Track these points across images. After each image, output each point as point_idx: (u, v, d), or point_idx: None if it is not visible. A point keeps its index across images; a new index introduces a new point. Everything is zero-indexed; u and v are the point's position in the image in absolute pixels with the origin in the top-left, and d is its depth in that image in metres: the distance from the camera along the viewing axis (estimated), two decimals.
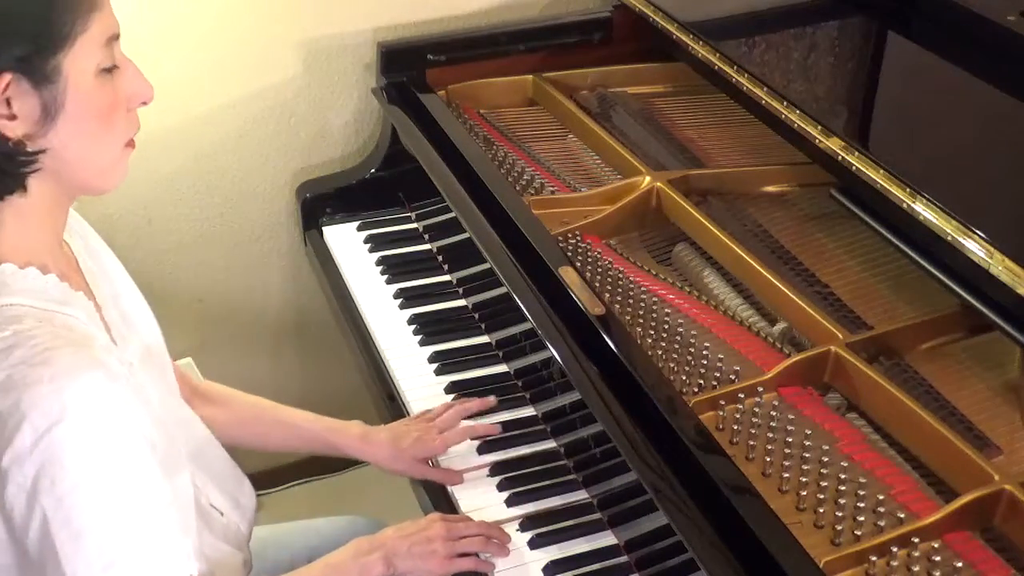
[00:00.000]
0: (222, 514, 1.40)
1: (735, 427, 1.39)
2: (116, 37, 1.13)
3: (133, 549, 1.09)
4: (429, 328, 1.80)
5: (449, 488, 1.54)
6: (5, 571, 1.13)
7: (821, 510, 1.29)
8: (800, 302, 1.52)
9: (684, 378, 1.47)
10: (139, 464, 1.10)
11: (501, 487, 1.52)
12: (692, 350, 1.51)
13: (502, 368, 1.72)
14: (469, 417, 1.60)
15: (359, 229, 2.04)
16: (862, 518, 1.27)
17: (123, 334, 1.25)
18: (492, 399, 1.62)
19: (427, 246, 1.99)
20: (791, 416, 1.41)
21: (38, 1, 1.06)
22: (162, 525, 1.12)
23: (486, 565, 1.40)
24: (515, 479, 1.53)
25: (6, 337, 1.07)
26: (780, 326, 1.55)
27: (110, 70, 1.12)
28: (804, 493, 1.31)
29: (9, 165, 1.09)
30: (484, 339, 1.78)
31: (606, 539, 1.43)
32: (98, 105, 1.12)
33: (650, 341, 1.53)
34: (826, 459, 1.35)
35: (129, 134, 1.17)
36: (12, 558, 1.12)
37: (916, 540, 1.23)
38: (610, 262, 1.67)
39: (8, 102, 1.07)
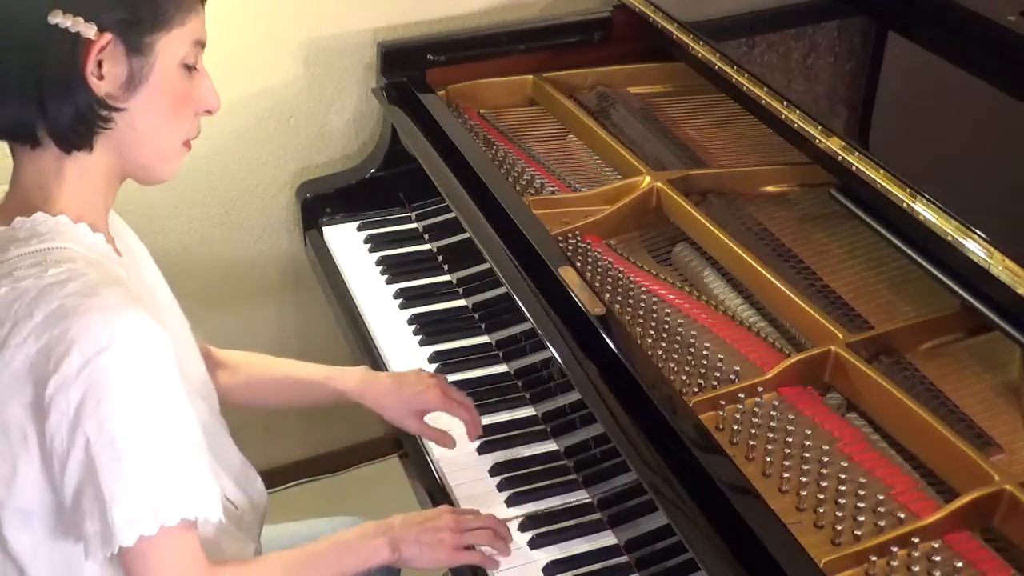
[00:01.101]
0: (236, 507, 1.40)
1: (735, 427, 1.39)
2: (202, 44, 1.24)
3: (170, 476, 1.13)
4: (429, 328, 1.80)
5: (449, 488, 1.54)
6: (37, 518, 1.17)
7: (821, 510, 1.29)
8: (800, 302, 1.53)
9: (684, 378, 1.47)
10: (177, 399, 1.15)
11: (501, 487, 1.52)
12: (692, 350, 1.51)
13: (502, 368, 1.72)
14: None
15: (359, 229, 2.04)
16: (862, 518, 1.27)
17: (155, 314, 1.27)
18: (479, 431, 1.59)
19: (427, 246, 1.99)
20: (791, 416, 1.41)
21: None
22: (196, 461, 1.17)
23: (491, 562, 1.40)
24: (515, 479, 1.53)
25: (60, 272, 1.13)
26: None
27: (191, 69, 1.22)
28: (804, 493, 1.31)
29: (90, 116, 1.16)
30: (484, 339, 1.78)
31: (606, 539, 1.44)
32: (174, 91, 1.21)
33: (650, 341, 1.53)
34: (826, 459, 1.35)
35: (190, 134, 1.26)
36: (49, 507, 1.16)
37: (916, 540, 1.23)
38: (610, 262, 1.67)
39: (100, 63, 1.14)
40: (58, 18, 1.11)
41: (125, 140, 1.20)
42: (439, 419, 1.57)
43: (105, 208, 1.27)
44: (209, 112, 1.27)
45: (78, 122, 1.16)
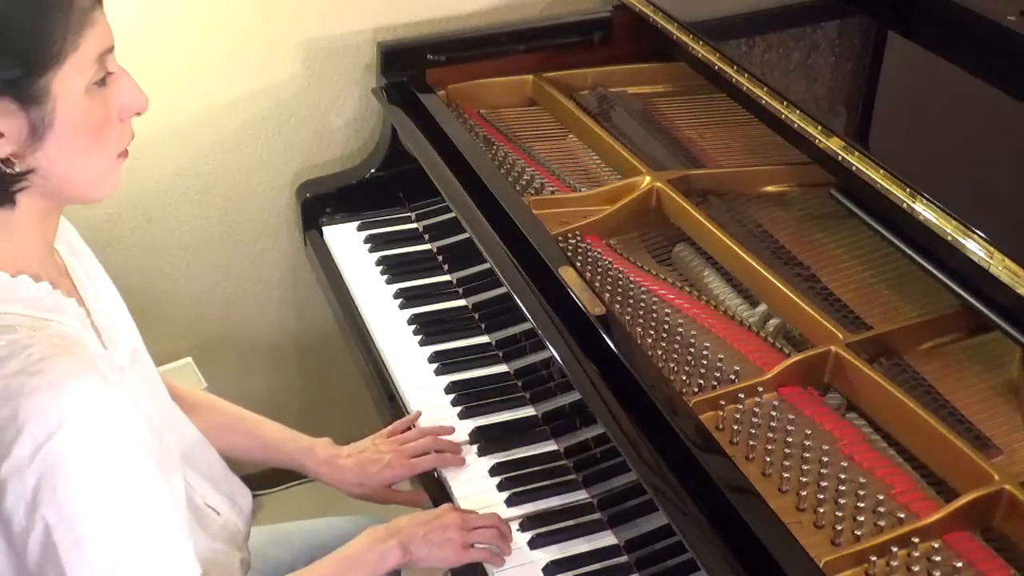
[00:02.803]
0: (219, 513, 1.39)
1: (735, 427, 1.39)
2: (110, 49, 1.10)
3: (137, 553, 1.08)
4: (429, 328, 1.80)
5: (449, 488, 1.54)
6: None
7: (821, 510, 1.29)
8: (800, 302, 1.53)
9: (684, 378, 1.47)
10: (138, 468, 1.10)
11: (501, 487, 1.52)
12: (692, 350, 1.51)
13: (502, 368, 1.72)
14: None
15: (359, 229, 2.04)
16: (862, 518, 1.27)
17: (112, 337, 1.24)
18: (460, 442, 1.58)
19: (427, 246, 1.99)
20: (791, 416, 1.41)
21: (24, 22, 1.03)
22: (164, 528, 1.12)
23: (497, 560, 1.40)
24: (515, 479, 1.53)
25: (1, 347, 1.05)
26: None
27: (102, 83, 1.10)
28: (804, 493, 1.31)
29: None
30: (484, 339, 1.78)
31: (606, 539, 1.43)
32: (88, 122, 1.09)
33: (650, 341, 1.53)
34: (826, 459, 1.35)
35: (122, 145, 1.15)
36: (10, 566, 1.11)
37: (916, 540, 1.23)
38: (610, 262, 1.67)
39: None
40: None
41: (49, 185, 1.10)
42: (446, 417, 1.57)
43: (46, 246, 1.19)
44: (138, 113, 1.15)
45: None
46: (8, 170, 1.07)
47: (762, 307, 1.57)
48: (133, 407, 1.12)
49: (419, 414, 1.63)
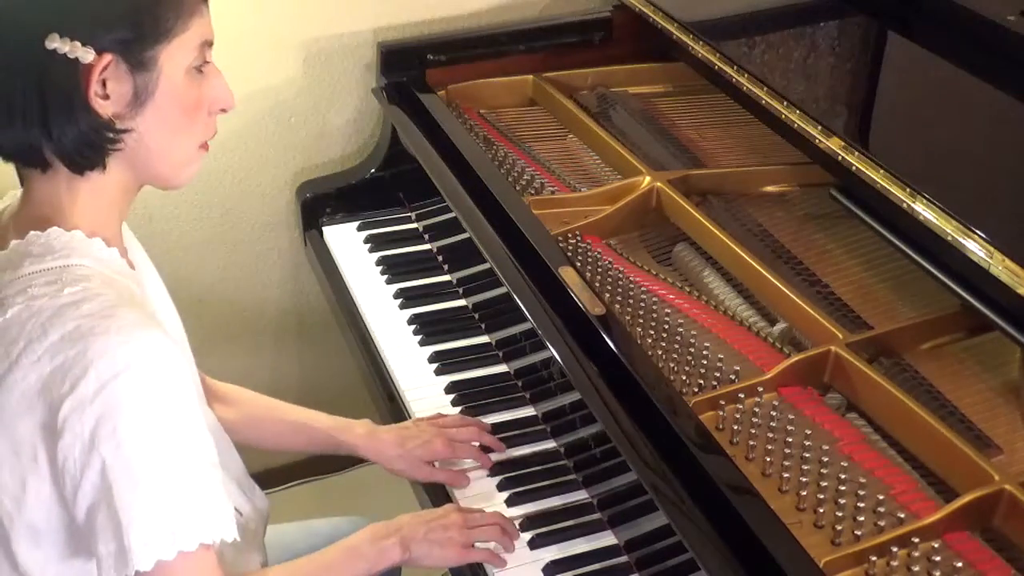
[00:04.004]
0: (241, 514, 1.40)
1: (735, 427, 1.39)
2: (210, 44, 1.21)
3: (187, 500, 1.11)
4: (429, 328, 1.80)
5: (449, 489, 1.54)
6: (47, 536, 1.15)
7: (821, 510, 1.29)
8: (800, 302, 1.53)
9: (684, 378, 1.47)
10: (194, 421, 1.14)
11: (501, 487, 1.52)
12: (692, 350, 1.51)
13: (502, 368, 1.72)
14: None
15: (359, 229, 2.04)
16: (862, 518, 1.27)
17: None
18: (503, 447, 1.58)
19: (427, 246, 1.99)
20: (791, 416, 1.41)
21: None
22: (213, 483, 1.15)
23: (499, 559, 1.40)
24: (515, 479, 1.53)
25: (76, 292, 1.11)
26: (780, 326, 1.55)
27: (200, 70, 1.19)
28: (804, 493, 1.31)
29: (97, 140, 1.14)
30: (484, 339, 1.78)
31: (606, 539, 1.44)
32: (184, 100, 1.18)
33: (650, 341, 1.53)
34: (826, 459, 1.35)
35: (206, 136, 1.24)
36: (59, 525, 1.14)
37: (916, 540, 1.23)
38: (610, 262, 1.67)
39: (104, 83, 1.12)
40: (55, 43, 1.08)
41: (138, 155, 1.18)
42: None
43: (119, 221, 1.25)
44: (224, 110, 1.25)
45: (85, 146, 1.14)
46: (109, 130, 1.14)
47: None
48: (188, 369, 1.16)
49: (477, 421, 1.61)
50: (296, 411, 1.60)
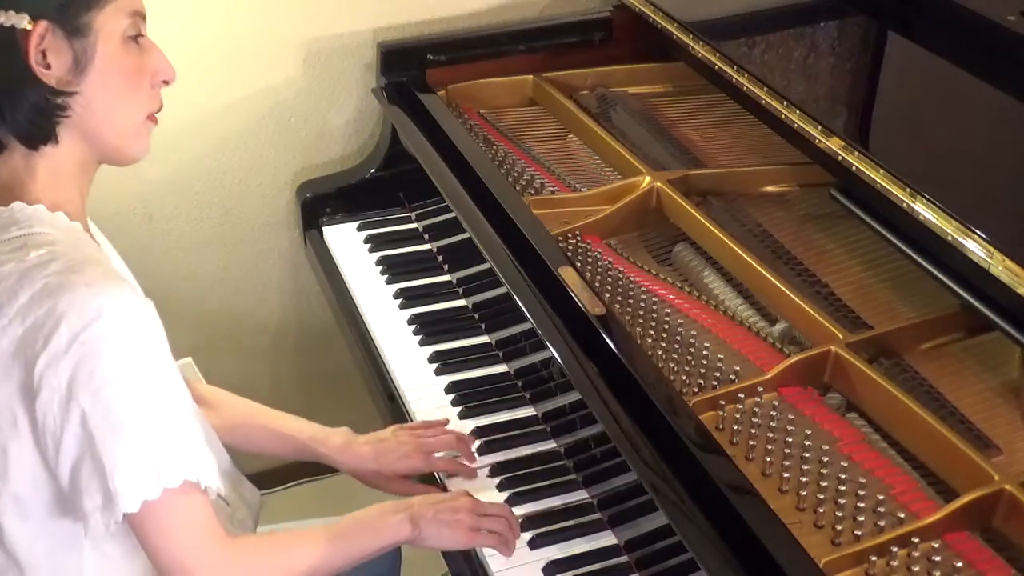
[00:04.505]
0: (228, 504, 1.40)
1: (735, 427, 1.39)
2: (141, 15, 1.23)
3: (169, 439, 1.13)
4: (429, 328, 1.80)
5: (449, 489, 1.53)
6: (33, 506, 1.17)
7: (821, 510, 1.29)
8: (800, 302, 1.53)
9: (684, 378, 1.47)
10: (170, 368, 1.16)
11: (501, 487, 1.52)
12: (692, 350, 1.51)
13: (502, 368, 1.72)
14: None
15: (359, 229, 2.04)
16: (862, 518, 1.27)
17: None
18: (476, 460, 1.56)
19: (427, 246, 1.99)
20: (791, 416, 1.41)
21: None
22: (191, 429, 1.17)
23: (505, 548, 1.40)
24: (515, 479, 1.53)
25: (41, 254, 1.14)
26: (780, 326, 1.55)
27: (135, 40, 1.22)
28: (804, 493, 1.31)
29: (46, 107, 1.17)
30: (484, 339, 1.78)
31: (606, 539, 1.43)
32: (124, 66, 1.21)
33: (650, 341, 1.53)
34: (826, 459, 1.35)
35: (152, 107, 1.26)
36: (44, 492, 1.16)
37: (916, 540, 1.23)
38: (610, 262, 1.67)
39: (44, 53, 1.15)
40: None
41: (87, 125, 1.21)
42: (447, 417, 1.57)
43: (81, 199, 1.27)
44: (166, 82, 1.27)
45: (36, 116, 1.17)
46: (56, 95, 1.16)
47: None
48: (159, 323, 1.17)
49: (447, 421, 1.61)
50: (277, 418, 1.59)
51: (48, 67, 1.16)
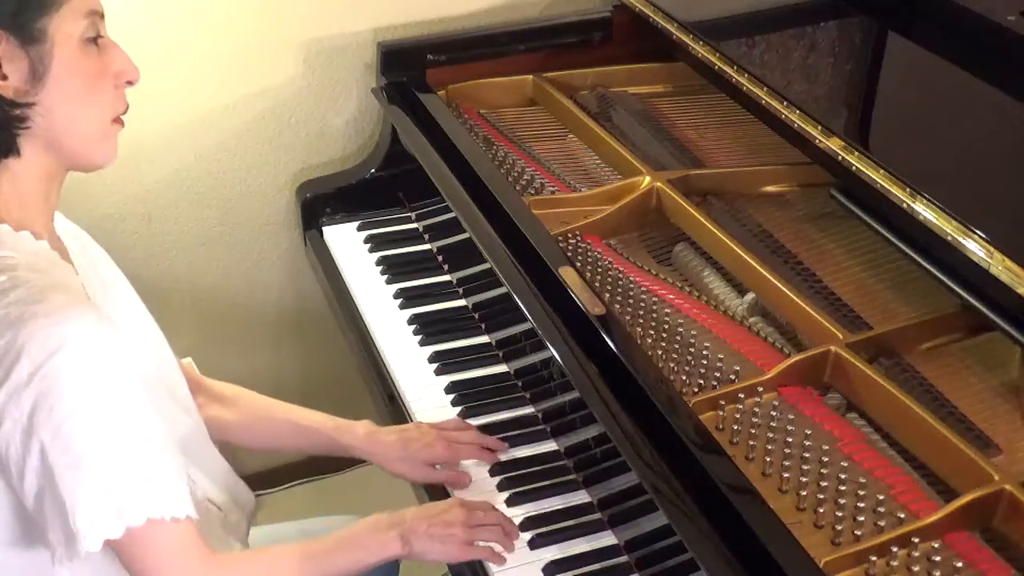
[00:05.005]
0: (220, 509, 1.39)
1: (735, 427, 1.39)
2: (99, 14, 1.18)
3: (131, 476, 1.10)
4: (429, 328, 1.80)
5: (449, 490, 1.54)
6: (3, 530, 1.15)
7: (821, 510, 1.29)
8: (800, 302, 1.52)
9: (684, 378, 1.47)
10: (134, 398, 1.12)
11: (501, 487, 1.52)
12: (692, 350, 1.51)
13: (502, 368, 1.72)
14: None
15: (359, 229, 2.04)
16: (862, 518, 1.27)
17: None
18: (505, 446, 1.57)
19: (427, 246, 1.99)
20: (791, 416, 1.41)
21: None
22: (158, 459, 1.14)
23: (498, 558, 1.40)
24: (515, 479, 1.53)
25: (3, 281, 1.10)
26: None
27: (95, 41, 1.17)
28: (804, 493, 1.31)
29: (3, 120, 1.13)
30: (484, 339, 1.78)
31: (606, 539, 1.43)
32: (83, 70, 1.16)
33: (650, 341, 1.53)
34: (826, 459, 1.35)
35: (117, 110, 1.21)
36: (13, 517, 1.14)
37: (916, 540, 1.23)
38: (610, 262, 1.67)
39: None
40: None
41: (49, 134, 1.17)
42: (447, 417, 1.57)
43: (48, 210, 1.23)
44: (130, 83, 1.22)
45: None
46: (14, 107, 1.13)
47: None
48: (125, 348, 1.14)
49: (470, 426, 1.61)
50: (296, 412, 1.59)
51: (4, 78, 1.12)
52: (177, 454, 1.23)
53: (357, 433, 1.56)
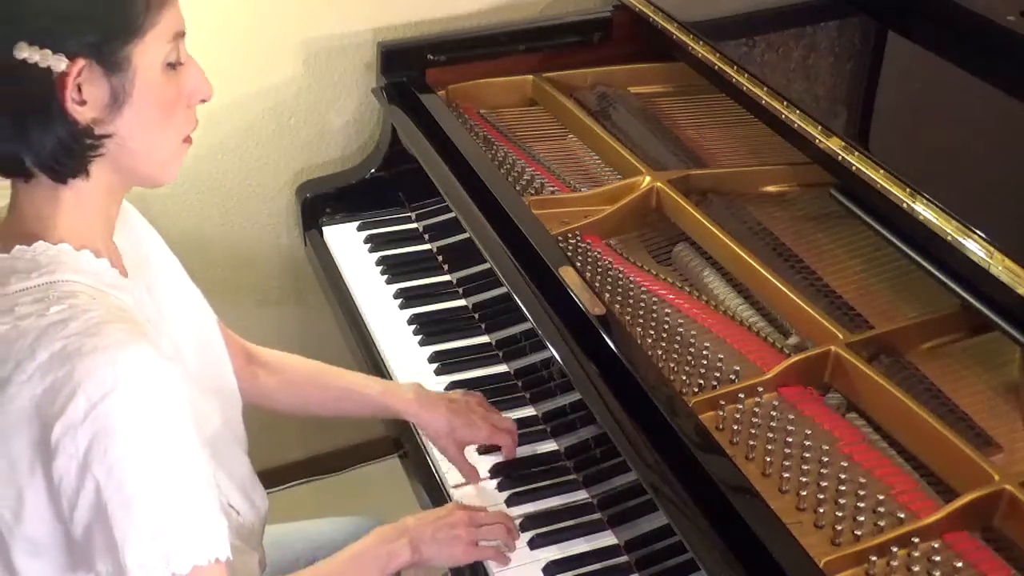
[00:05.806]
0: (239, 514, 1.40)
1: (735, 427, 1.39)
2: (182, 35, 1.16)
3: (180, 521, 1.11)
4: (429, 328, 1.80)
5: (449, 489, 1.54)
6: (46, 549, 1.15)
7: (821, 510, 1.29)
8: (800, 302, 1.53)
9: (684, 378, 1.47)
10: (185, 439, 1.12)
11: (501, 487, 1.52)
12: (692, 350, 1.51)
13: (502, 368, 1.72)
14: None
15: (359, 229, 2.04)
16: (862, 518, 1.27)
17: (159, 329, 1.26)
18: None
19: (427, 246, 1.99)
20: (791, 416, 1.41)
21: None
22: (205, 502, 1.14)
23: (503, 558, 1.41)
24: (515, 479, 1.53)
25: (62, 310, 1.10)
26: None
27: (175, 66, 1.16)
28: (804, 493, 1.31)
29: (77, 147, 1.11)
30: (484, 339, 1.78)
31: (606, 539, 1.44)
32: (162, 98, 1.15)
33: (650, 341, 1.53)
34: (826, 459, 1.35)
35: (188, 130, 1.21)
36: (58, 538, 1.13)
37: (916, 540, 1.23)
38: (610, 262, 1.67)
39: (80, 88, 1.09)
40: (24, 52, 1.05)
41: (121, 159, 1.15)
42: None
43: (108, 226, 1.23)
44: (203, 100, 1.21)
45: (64, 154, 1.11)
46: (89, 136, 1.11)
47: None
48: (180, 383, 1.14)
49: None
50: (343, 376, 1.59)
51: (83, 103, 1.09)
52: (211, 468, 1.22)
53: (406, 396, 1.56)
